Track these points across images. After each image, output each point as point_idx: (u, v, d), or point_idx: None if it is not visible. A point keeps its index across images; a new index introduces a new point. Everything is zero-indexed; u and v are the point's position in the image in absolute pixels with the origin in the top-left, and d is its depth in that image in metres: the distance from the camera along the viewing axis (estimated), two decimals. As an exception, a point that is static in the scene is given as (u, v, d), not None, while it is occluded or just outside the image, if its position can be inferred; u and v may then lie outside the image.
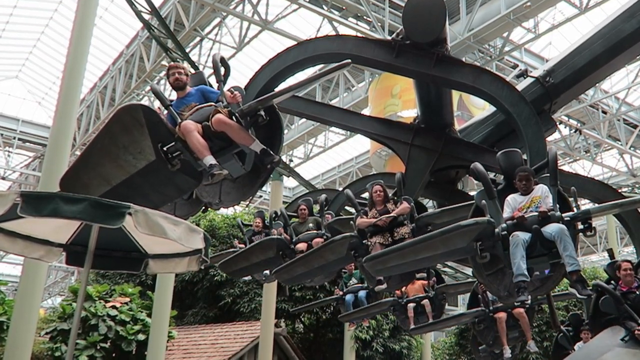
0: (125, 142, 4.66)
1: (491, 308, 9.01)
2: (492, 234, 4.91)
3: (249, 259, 7.56)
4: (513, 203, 5.20)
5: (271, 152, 4.75)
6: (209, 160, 4.67)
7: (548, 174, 5.32)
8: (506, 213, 5.12)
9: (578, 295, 4.73)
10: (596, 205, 5.96)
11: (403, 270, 6.15)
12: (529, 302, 4.99)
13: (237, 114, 4.76)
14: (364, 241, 6.39)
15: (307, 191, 16.31)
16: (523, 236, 4.80)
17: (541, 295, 7.47)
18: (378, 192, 6.85)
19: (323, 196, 8.13)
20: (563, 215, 4.87)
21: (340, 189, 9.69)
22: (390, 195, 7.01)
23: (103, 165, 4.78)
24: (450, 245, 4.96)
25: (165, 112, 5.12)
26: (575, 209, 5.01)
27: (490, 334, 9.18)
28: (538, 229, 4.81)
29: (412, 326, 9.82)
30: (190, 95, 5.21)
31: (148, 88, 24.82)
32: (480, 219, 4.96)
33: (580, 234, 4.96)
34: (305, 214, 8.08)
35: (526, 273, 4.70)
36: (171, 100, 5.25)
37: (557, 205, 5.05)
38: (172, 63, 5.45)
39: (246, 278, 8.84)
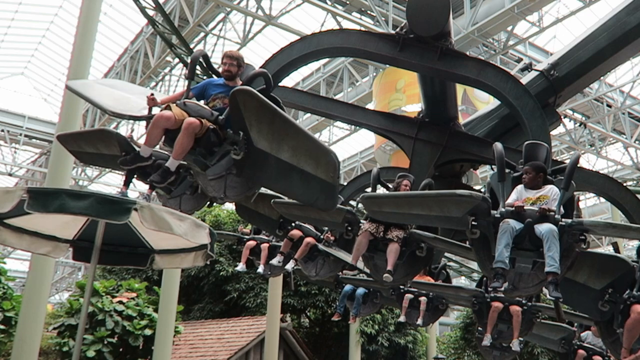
0: None
1: (491, 295, 8.94)
2: (488, 214, 4.88)
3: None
4: (519, 194, 5.20)
5: (163, 179, 4.69)
6: (143, 149, 4.74)
7: (562, 177, 5.26)
8: (510, 200, 5.12)
9: (548, 296, 4.74)
10: (593, 218, 5.94)
11: (396, 220, 6.16)
12: (502, 288, 4.96)
13: (221, 134, 4.67)
14: (362, 221, 6.40)
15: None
16: (513, 224, 4.80)
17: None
18: (403, 186, 6.81)
19: None
20: (562, 220, 4.86)
21: (345, 183, 9.65)
22: None
23: None
24: (445, 211, 4.94)
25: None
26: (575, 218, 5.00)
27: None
28: (531, 223, 4.80)
29: (403, 317, 9.73)
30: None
31: (153, 84, 24.90)
32: (475, 194, 4.93)
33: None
34: None
35: (506, 261, 4.72)
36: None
37: (562, 210, 5.02)
38: (228, 51, 5.37)
39: (240, 270, 8.82)
